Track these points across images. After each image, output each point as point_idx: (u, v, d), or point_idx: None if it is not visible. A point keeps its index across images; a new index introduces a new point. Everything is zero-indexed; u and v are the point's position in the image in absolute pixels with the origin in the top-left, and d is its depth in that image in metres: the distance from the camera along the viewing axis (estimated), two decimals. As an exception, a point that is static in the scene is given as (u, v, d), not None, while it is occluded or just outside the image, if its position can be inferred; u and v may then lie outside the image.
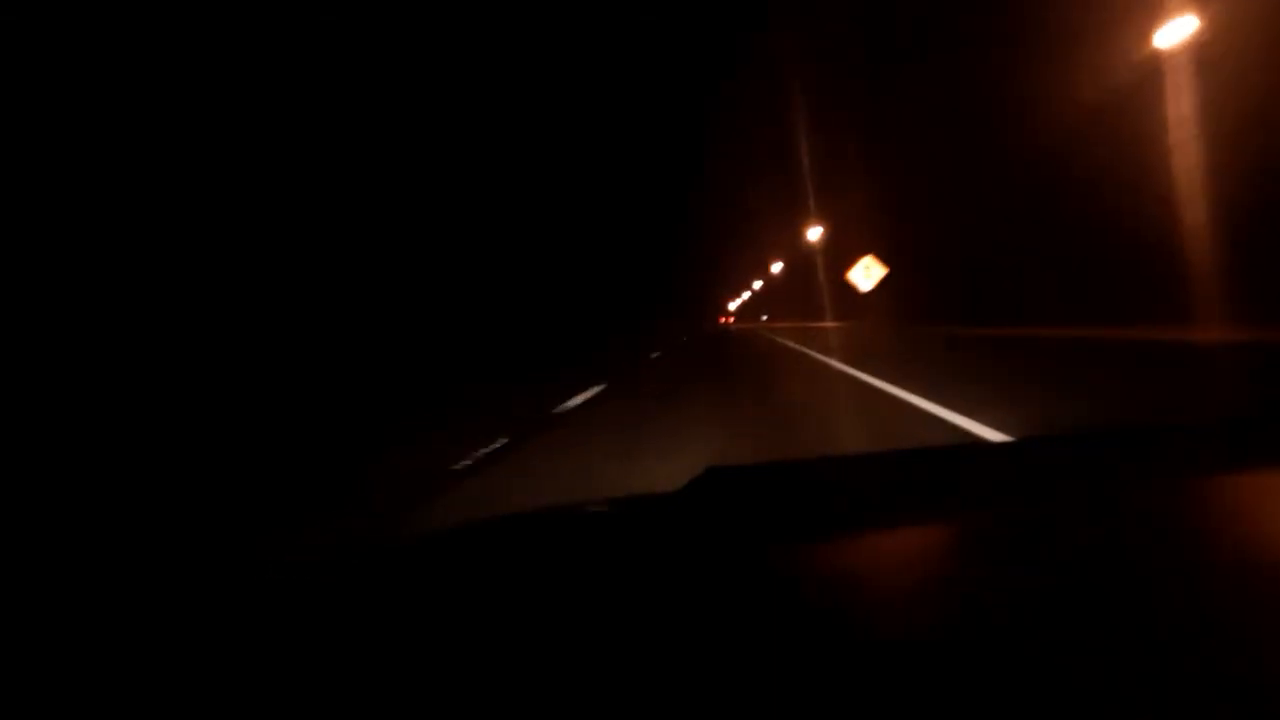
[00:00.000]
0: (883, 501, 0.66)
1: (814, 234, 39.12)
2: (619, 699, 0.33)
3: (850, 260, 18.56)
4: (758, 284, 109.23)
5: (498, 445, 3.83)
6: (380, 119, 15.44)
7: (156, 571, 1.64)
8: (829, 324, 37.55)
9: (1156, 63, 9.36)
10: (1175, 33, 8.45)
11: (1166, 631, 0.37)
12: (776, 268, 71.22)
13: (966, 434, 3.29)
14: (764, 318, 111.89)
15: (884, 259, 18.93)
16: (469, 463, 3.31)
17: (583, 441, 3.98)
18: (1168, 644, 0.35)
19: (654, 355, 11.76)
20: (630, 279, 56.02)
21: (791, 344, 12.93)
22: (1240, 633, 0.36)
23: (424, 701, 0.34)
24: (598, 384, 6.22)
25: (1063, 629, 0.37)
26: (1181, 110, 9.15)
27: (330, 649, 0.42)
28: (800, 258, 58.39)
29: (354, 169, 13.62)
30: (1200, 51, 8.62)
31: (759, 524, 0.59)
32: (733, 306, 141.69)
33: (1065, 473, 0.74)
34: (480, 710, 0.33)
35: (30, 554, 1.88)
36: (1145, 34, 9.10)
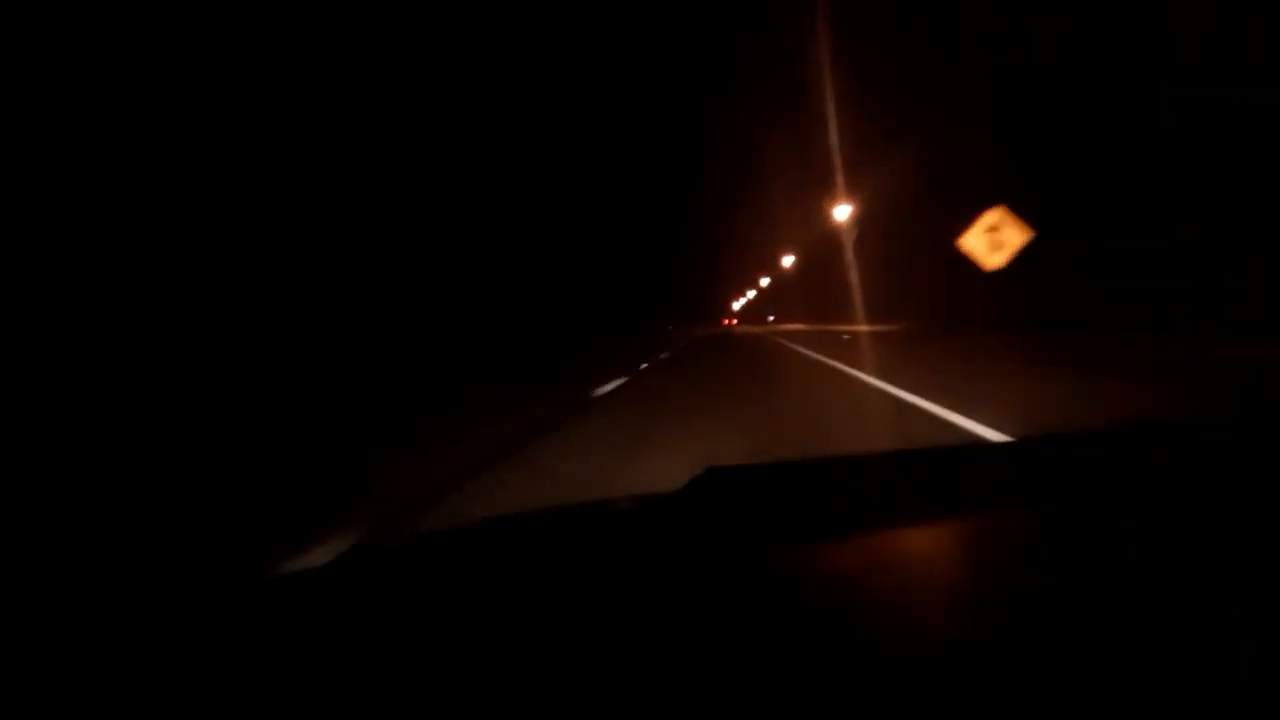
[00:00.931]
0: (883, 501, 0.66)
1: (841, 213, 31.26)
2: (620, 699, 0.33)
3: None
4: (765, 281, 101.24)
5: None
6: (378, 116, 14.97)
7: (157, 573, 1.57)
8: (861, 327, 29.66)
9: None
10: None
11: (1167, 630, 0.37)
12: (787, 260, 63.14)
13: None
14: (770, 318, 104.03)
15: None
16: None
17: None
18: (1168, 643, 0.35)
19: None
20: (618, 280, 48.66)
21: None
22: (1240, 631, 0.36)
23: (426, 702, 0.34)
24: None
25: (1063, 628, 0.37)
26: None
27: (330, 649, 0.41)
28: (817, 248, 50.91)
29: (346, 165, 13.27)
30: None
31: (759, 524, 0.59)
32: (736, 306, 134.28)
33: (1065, 472, 0.74)
34: (482, 710, 0.33)
35: (30, 555, 1.79)
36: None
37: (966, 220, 11.05)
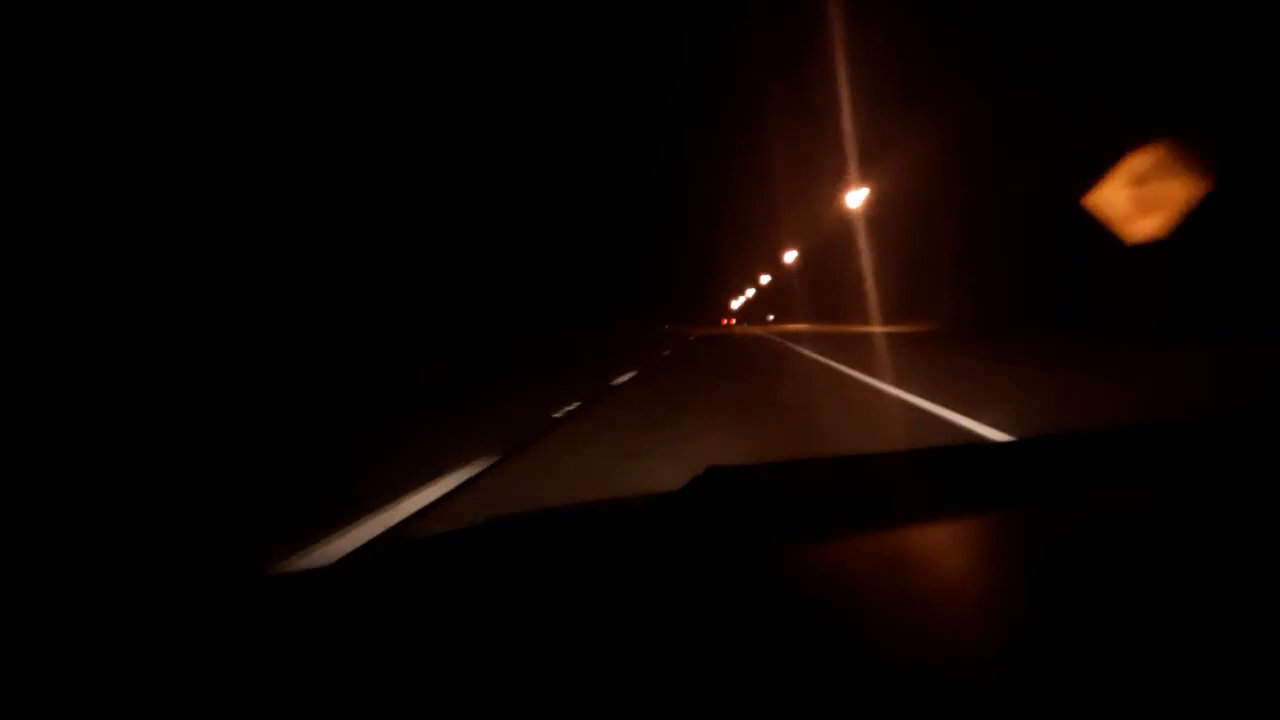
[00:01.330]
0: (883, 501, 0.65)
1: (854, 198, 27.32)
2: (620, 700, 0.33)
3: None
4: (765, 278, 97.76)
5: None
6: (339, 98, 13.91)
7: (154, 572, 1.49)
8: (875, 328, 25.87)
9: None
10: None
11: (1170, 631, 0.37)
12: (790, 256, 59.24)
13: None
14: (770, 318, 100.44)
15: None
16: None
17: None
18: (1171, 643, 0.35)
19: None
20: (600, 278, 45.19)
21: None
22: (1244, 631, 0.36)
23: (425, 703, 0.34)
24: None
25: (1064, 628, 0.37)
26: None
27: (330, 650, 0.41)
28: (823, 242, 46.92)
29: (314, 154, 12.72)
30: None
31: (760, 523, 0.59)
32: (735, 305, 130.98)
33: (1066, 472, 0.73)
34: (481, 711, 0.33)
35: (26, 553, 1.77)
36: None
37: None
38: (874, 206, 28.47)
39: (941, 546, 0.53)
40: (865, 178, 27.34)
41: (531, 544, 0.60)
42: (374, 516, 1.99)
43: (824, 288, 48.71)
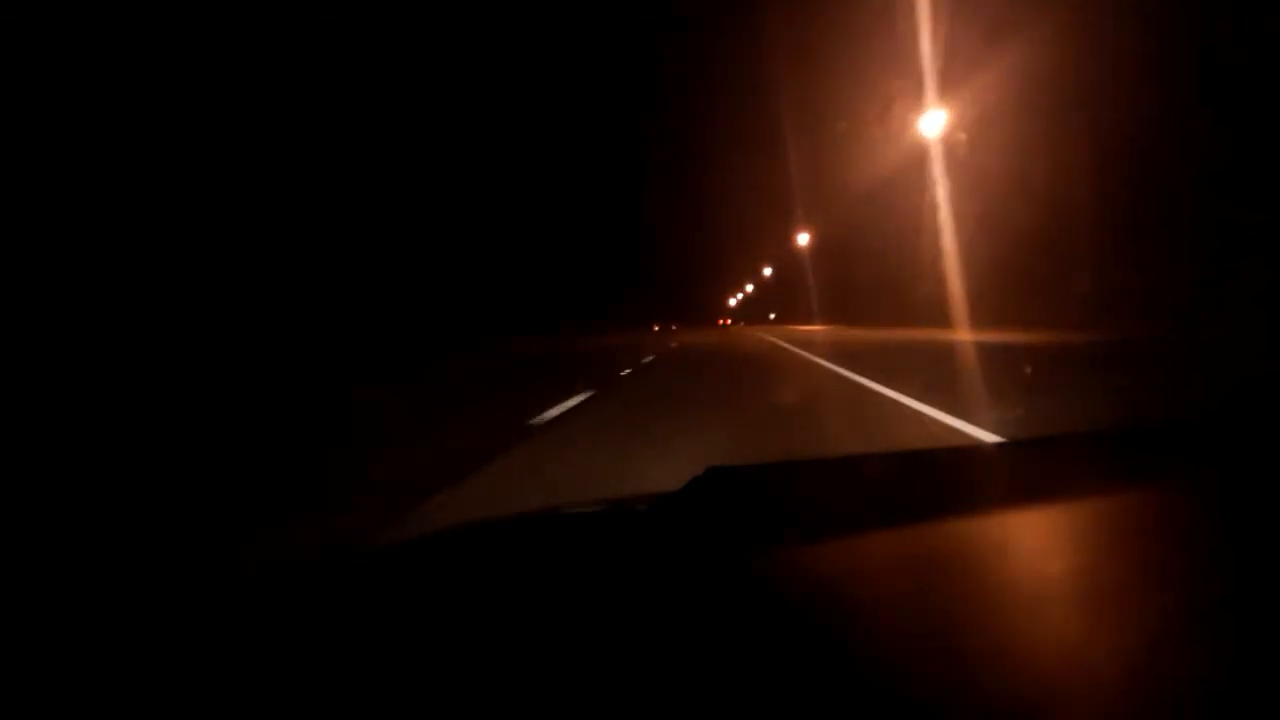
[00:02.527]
0: (883, 502, 0.66)
1: (931, 125, 16.46)
2: (618, 702, 0.33)
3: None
4: (768, 271, 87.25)
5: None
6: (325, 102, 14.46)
7: (147, 574, 1.54)
8: (963, 334, 15.58)
9: None
10: None
11: (1167, 632, 0.36)
12: (802, 240, 48.73)
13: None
14: (771, 316, 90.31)
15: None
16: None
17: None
18: (1166, 644, 0.35)
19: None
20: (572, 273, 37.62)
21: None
22: (1245, 632, 0.36)
23: (421, 704, 0.35)
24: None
25: (1064, 629, 0.37)
26: None
27: (326, 651, 0.42)
28: (849, 215, 36.94)
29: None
30: None
31: (760, 524, 0.59)
32: (732, 303, 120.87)
33: (1065, 473, 0.74)
34: (480, 712, 0.33)
35: (18, 553, 1.78)
36: None
37: None
38: (950, 141, 18.09)
39: (942, 547, 0.52)
40: (943, 96, 16.87)
41: (530, 544, 0.59)
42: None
43: (848, 279, 38.39)
